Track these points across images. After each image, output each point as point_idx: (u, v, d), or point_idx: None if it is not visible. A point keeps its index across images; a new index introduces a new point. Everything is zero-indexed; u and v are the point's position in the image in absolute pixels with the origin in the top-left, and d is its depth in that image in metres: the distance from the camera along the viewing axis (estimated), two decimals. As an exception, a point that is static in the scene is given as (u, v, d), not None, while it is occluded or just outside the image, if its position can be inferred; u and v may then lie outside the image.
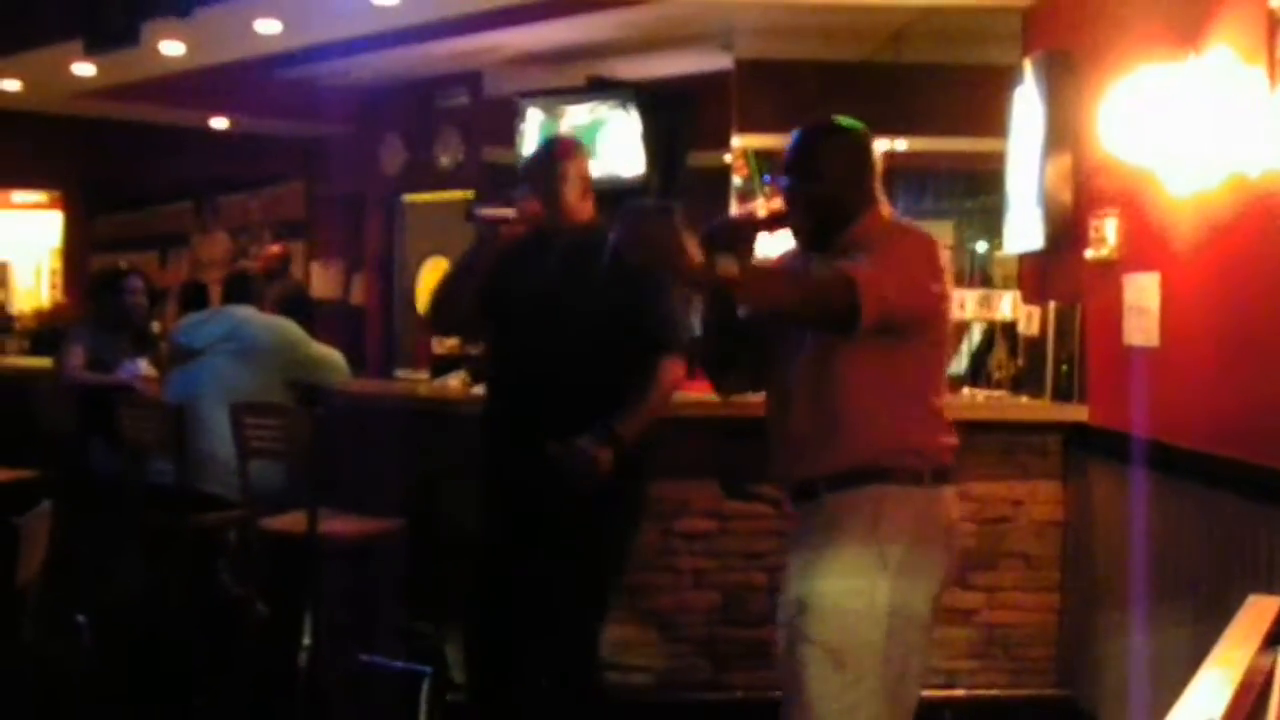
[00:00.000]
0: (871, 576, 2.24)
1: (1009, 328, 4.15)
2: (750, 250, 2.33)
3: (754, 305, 2.28)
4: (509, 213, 2.89)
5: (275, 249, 7.36)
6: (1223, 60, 2.86)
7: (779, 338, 2.40)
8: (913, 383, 2.33)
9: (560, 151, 3.03)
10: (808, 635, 2.25)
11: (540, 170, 2.96)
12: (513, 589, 2.90)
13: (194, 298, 5.31)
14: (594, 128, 6.44)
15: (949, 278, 2.38)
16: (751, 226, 2.37)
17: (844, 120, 2.45)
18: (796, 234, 2.43)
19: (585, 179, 2.98)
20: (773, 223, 2.40)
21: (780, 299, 2.25)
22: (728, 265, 2.12)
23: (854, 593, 2.24)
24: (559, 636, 2.89)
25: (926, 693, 3.79)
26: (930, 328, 2.33)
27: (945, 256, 2.39)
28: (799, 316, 2.29)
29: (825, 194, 2.37)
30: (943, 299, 2.32)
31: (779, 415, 2.42)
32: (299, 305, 5.30)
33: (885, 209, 2.42)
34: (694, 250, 2.09)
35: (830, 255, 2.34)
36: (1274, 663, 1.55)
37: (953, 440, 2.37)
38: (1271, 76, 2.67)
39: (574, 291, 2.87)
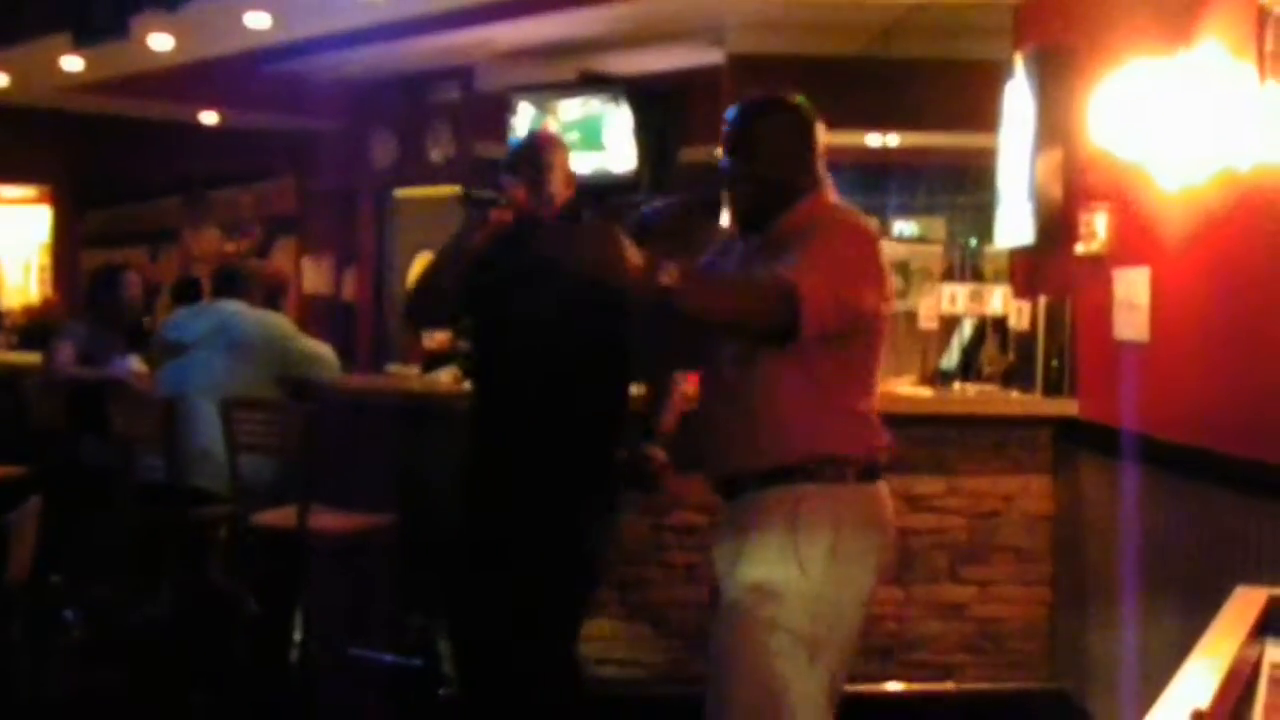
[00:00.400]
0: (790, 570, 2.20)
1: (999, 323, 4.15)
2: (687, 236, 2.28)
3: (692, 313, 2.18)
4: (498, 197, 2.88)
5: (229, 248, 7.38)
6: (1212, 55, 2.87)
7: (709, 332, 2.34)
8: (838, 387, 2.26)
9: (544, 142, 3.06)
10: (761, 621, 2.20)
11: (526, 159, 2.97)
12: (498, 586, 2.90)
13: (188, 293, 5.31)
14: (593, 122, 6.43)
15: (889, 276, 2.31)
16: (687, 212, 2.33)
17: (786, 96, 2.37)
18: (735, 214, 2.36)
19: (568, 171, 3.00)
20: (710, 207, 2.36)
21: (719, 309, 2.19)
22: (669, 273, 2.08)
23: (778, 582, 2.20)
24: (540, 634, 2.89)
25: (919, 687, 3.83)
26: (865, 333, 2.26)
27: (885, 252, 2.32)
28: (736, 327, 2.24)
29: (766, 173, 2.29)
30: (882, 301, 2.25)
31: (708, 409, 2.38)
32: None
33: (829, 191, 2.36)
34: (634, 258, 2.06)
35: (768, 238, 2.29)
36: (1261, 653, 1.56)
37: (882, 440, 2.32)
38: (1261, 71, 2.67)
39: (559, 285, 2.85)
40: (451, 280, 2.92)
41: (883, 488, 2.33)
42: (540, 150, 2.99)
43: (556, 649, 2.91)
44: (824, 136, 2.37)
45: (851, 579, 2.25)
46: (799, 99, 2.37)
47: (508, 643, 2.90)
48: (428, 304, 3.06)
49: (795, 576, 2.20)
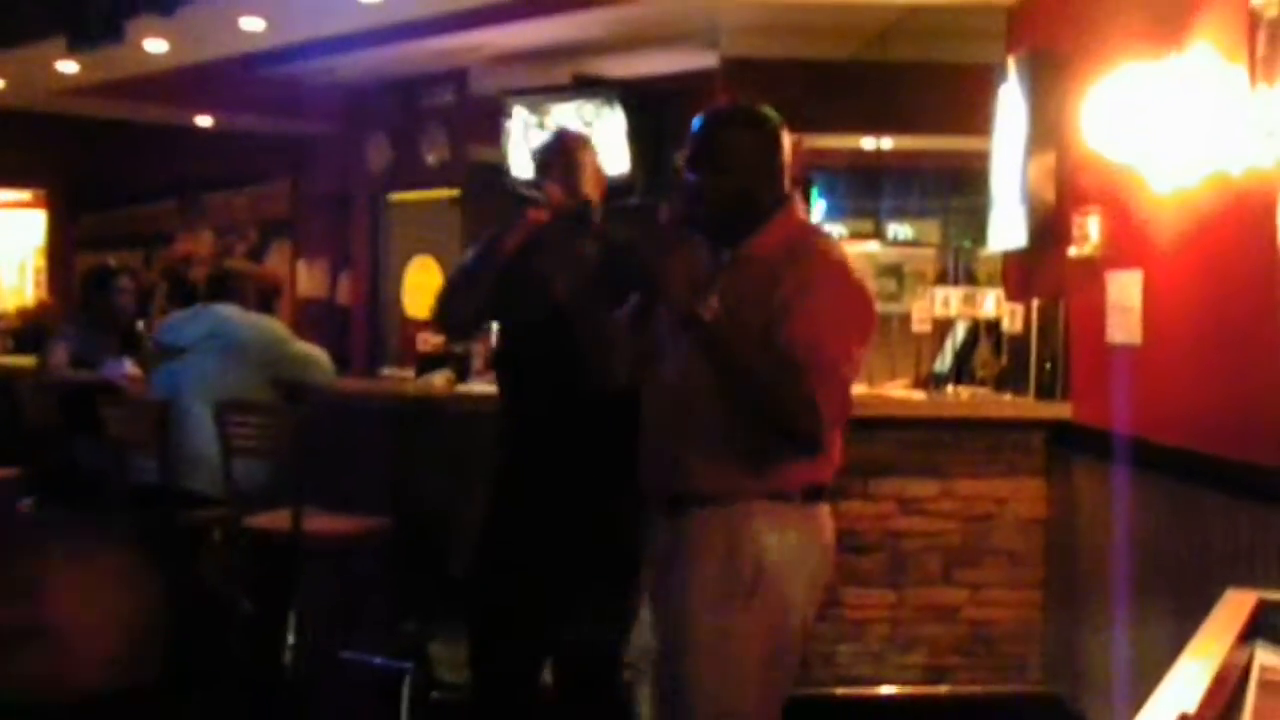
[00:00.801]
0: (734, 591, 2.16)
1: (993, 326, 4.16)
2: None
3: (712, 354, 2.11)
4: (539, 195, 2.81)
5: (182, 249, 7.42)
6: (1204, 59, 2.88)
7: (664, 341, 2.26)
8: None
9: (573, 141, 3.01)
10: (705, 628, 2.17)
11: (557, 159, 2.91)
12: (540, 593, 2.81)
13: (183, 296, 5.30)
14: (587, 126, 6.42)
15: (875, 322, 2.25)
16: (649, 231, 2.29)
17: (752, 107, 2.31)
18: (703, 230, 2.28)
19: (599, 171, 2.96)
20: (680, 225, 2.27)
21: (747, 377, 2.11)
22: (712, 306, 2.03)
23: (720, 591, 2.17)
24: (592, 640, 2.85)
25: (911, 690, 3.83)
26: None
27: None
28: (747, 399, 2.13)
29: (733, 187, 2.22)
30: (865, 351, 2.20)
31: (652, 426, 2.31)
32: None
33: (799, 208, 2.31)
34: (687, 273, 2.04)
35: (739, 255, 2.22)
36: (1250, 656, 1.56)
37: (831, 465, 2.26)
38: (1252, 74, 2.68)
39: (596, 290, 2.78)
40: (487, 282, 2.81)
41: (824, 510, 2.27)
42: (570, 149, 2.94)
43: (610, 647, 2.86)
44: (790, 147, 2.30)
45: (791, 591, 2.19)
46: (765, 109, 2.30)
47: (543, 647, 2.84)
48: (460, 306, 2.90)
49: (734, 590, 2.16)
